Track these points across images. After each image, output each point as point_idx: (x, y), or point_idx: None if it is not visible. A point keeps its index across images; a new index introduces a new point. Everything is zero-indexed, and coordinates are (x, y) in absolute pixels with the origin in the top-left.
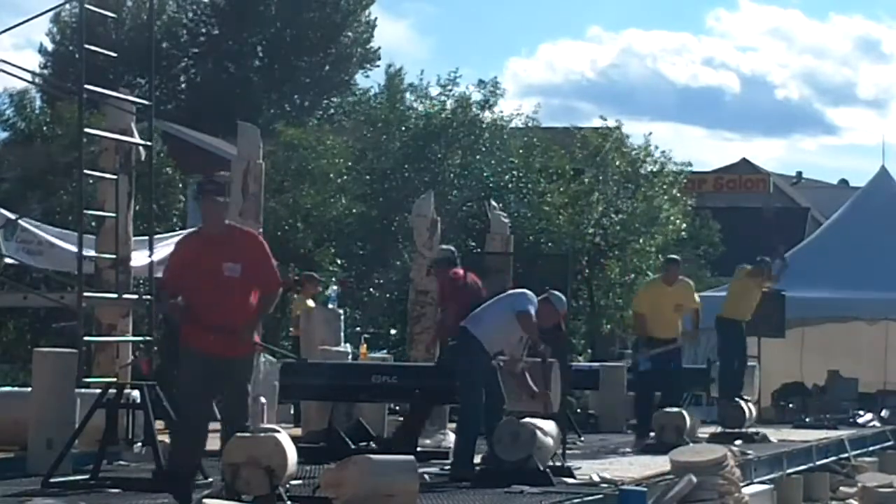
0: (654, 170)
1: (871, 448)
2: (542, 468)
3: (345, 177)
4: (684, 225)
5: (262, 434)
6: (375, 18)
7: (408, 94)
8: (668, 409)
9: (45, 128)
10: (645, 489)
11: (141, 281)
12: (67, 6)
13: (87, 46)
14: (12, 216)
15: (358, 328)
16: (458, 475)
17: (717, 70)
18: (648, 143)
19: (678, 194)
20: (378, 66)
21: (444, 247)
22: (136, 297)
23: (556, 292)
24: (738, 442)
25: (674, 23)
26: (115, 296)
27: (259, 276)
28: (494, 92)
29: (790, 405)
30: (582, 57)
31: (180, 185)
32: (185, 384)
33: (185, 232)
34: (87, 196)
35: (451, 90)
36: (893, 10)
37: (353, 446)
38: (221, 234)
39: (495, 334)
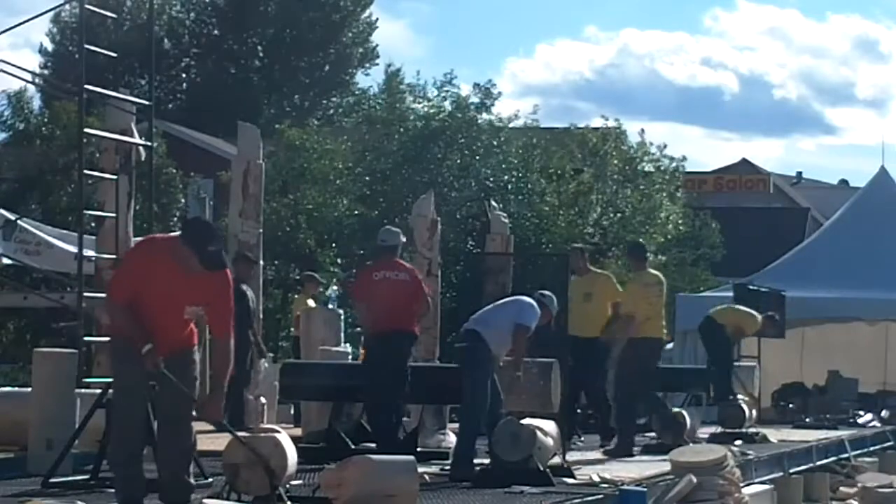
0: (651, 168)
1: (871, 448)
2: (542, 468)
3: (345, 178)
4: (681, 221)
5: (262, 434)
6: (377, 19)
7: (406, 95)
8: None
9: (44, 128)
10: (645, 489)
11: None
12: (67, 6)
13: (87, 46)
14: (12, 217)
15: (358, 328)
16: (458, 475)
17: (715, 70)
18: (644, 141)
19: (675, 192)
20: (377, 64)
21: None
22: None
23: (548, 293)
24: (738, 442)
25: (670, 23)
26: None
27: (213, 317)
28: (490, 93)
29: (790, 405)
30: (580, 57)
31: (180, 186)
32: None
33: None
34: (86, 196)
35: (447, 91)
36: (891, 10)
37: (353, 447)
38: (197, 271)
39: (504, 341)
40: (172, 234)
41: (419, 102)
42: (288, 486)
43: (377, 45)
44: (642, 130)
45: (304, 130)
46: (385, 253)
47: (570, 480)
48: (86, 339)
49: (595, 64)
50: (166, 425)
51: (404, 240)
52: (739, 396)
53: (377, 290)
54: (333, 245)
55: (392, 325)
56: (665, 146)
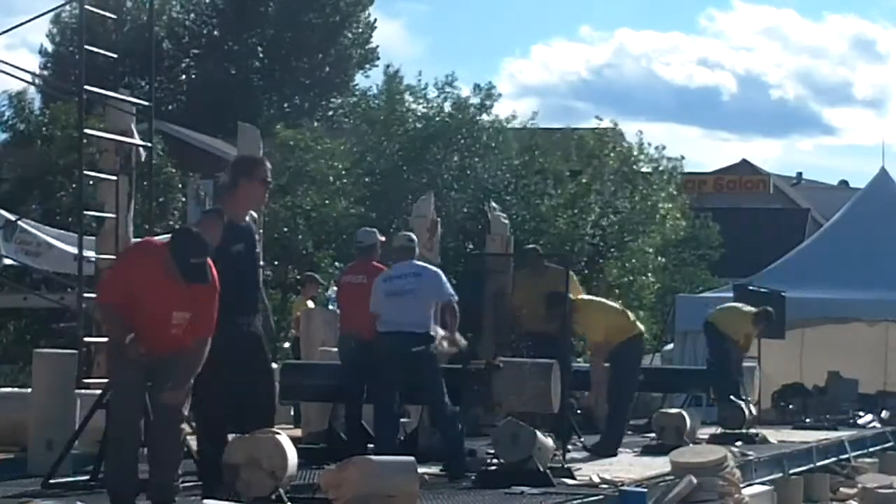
0: (650, 168)
1: (871, 449)
2: (542, 469)
3: (344, 179)
4: (683, 223)
5: (262, 435)
6: (375, 20)
7: (406, 96)
8: (667, 410)
9: (44, 129)
10: (645, 490)
11: None
12: (67, 7)
13: (86, 47)
14: (12, 217)
15: None
16: (456, 475)
17: (712, 70)
18: (642, 141)
19: (675, 192)
20: (377, 65)
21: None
22: None
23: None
24: (738, 443)
25: (665, 23)
26: None
27: (194, 324)
28: (490, 95)
29: (790, 406)
30: (576, 57)
31: (180, 186)
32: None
33: None
34: (86, 197)
35: (447, 92)
36: (888, 10)
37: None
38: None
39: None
40: (166, 239)
41: (419, 103)
42: (288, 487)
43: (378, 47)
44: (640, 132)
45: (298, 131)
46: (360, 254)
47: (570, 481)
48: (86, 339)
49: (592, 64)
50: (158, 425)
51: (383, 239)
52: (744, 397)
53: (342, 293)
54: (332, 246)
55: (346, 327)
56: (664, 147)
